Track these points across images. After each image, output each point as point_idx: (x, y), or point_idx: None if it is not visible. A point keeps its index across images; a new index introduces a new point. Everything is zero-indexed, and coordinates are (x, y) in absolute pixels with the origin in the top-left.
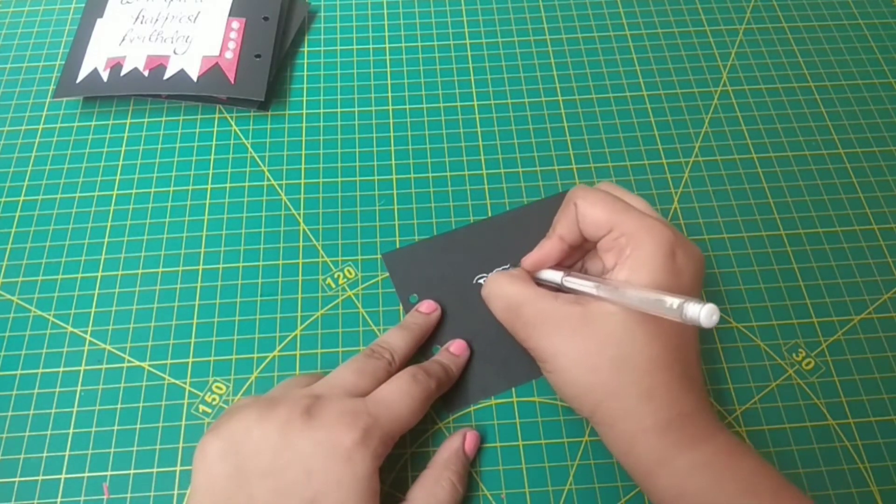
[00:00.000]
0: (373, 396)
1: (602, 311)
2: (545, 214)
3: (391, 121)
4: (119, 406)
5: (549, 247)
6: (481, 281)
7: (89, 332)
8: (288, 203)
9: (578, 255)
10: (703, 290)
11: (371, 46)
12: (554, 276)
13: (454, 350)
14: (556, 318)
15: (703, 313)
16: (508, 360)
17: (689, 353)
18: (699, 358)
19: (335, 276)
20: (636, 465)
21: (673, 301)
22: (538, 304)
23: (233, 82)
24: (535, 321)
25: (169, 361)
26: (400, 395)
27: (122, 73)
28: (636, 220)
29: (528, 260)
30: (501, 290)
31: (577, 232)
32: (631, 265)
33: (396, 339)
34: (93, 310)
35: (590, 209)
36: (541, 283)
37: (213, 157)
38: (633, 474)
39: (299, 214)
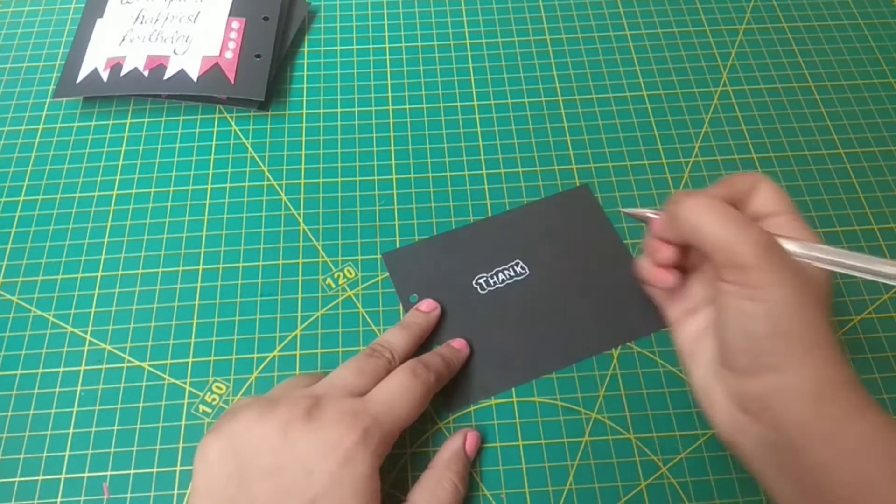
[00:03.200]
0: (372, 395)
1: (816, 272)
2: (545, 214)
3: (391, 121)
4: (119, 406)
5: (717, 189)
6: (481, 281)
7: (89, 332)
8: (288, 203)
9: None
10: None
11: (371, 46)
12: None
13: (455, 345)
14: (787, 257)
15: None
16: (508, 360)
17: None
18: None
19: (335, 276)
20: (825, 416)
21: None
22: (770, 235)
23: (233, 82)
24: (771, 245)
25: (169, 361)
26: (400, 392)
27: (122, 73)
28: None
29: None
30: (726, 210)
31: (746, 194)
32: (811, 241)
33: (397, 338)
34: (93, 310)
35: (774, 189)
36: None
37: (213, 157)
38: (812, 429)
39: (299, 214)
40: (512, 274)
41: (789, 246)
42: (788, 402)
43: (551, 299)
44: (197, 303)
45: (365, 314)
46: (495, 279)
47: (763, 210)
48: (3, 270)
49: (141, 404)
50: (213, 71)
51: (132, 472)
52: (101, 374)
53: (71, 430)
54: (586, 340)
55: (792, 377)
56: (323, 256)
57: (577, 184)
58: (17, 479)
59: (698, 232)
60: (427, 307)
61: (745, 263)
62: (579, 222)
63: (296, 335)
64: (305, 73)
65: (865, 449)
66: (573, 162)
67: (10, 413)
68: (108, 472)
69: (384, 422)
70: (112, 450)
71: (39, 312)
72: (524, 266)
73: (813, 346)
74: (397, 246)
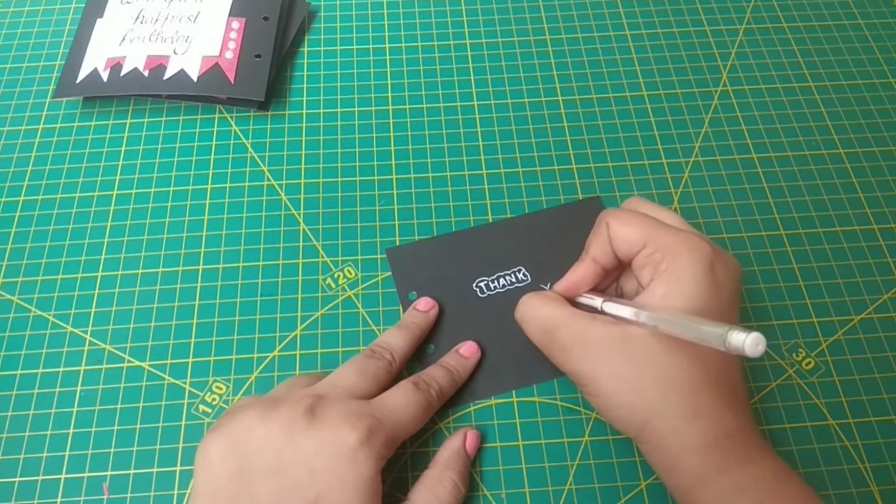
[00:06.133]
0: (376, 401)
1: (641, 333)
2: (553, 223)
3: (391, 121)
4: (119, 406)
5: (582, 270)
6: (482, 284)
7: (89, 332)
8: (288, 203)
9: (612, 278)
10: None
11: (371, 46)
12: (592, 301)
13: (464, 352)
14: (595, 340)
15: (748, 343)
16: (501, 366)
17: (733, 372)
18: (742, 377)
19: (335, 276)
20: (678, 484)
21: (715, 330)
22: (575, 326)
23: (233, 82)
24: (573, 344)
25: (169, 361)
26: (404, 401)
27: (122, 73)
28: (671, 234)
29: (562, 284)
30: (535, 312)
31: (611, 253)
32: (668, 279)
33: (396, 339)
34: (93, 310)
35: (622, 228)
36: (577, 306)
37: (213, 157)
38: (675, 493)
39: (299, 214)
40: (513, 280)
41: (585, 301)
42: (655, 470)
43: None
44: (197, 303)
45: (365, 314)
46: (496, 284)
47: (625, 255)
48: (3, 270)
49: (141, 404)
50: (213, 71)
51: (132, 472)
52: (101, 374)
53: (71, 430)
54: None
55: (646, 447)
56: (323, 256)
57: (577, 184)
58: (16, 479)
59: (529, 338)
60: (425, 306)
61: (563, 368)
62: (587, 234)
63: (296, 335)
64: (305, 73)
65: None
66: (573, 162)
67: (10, 413)
68: (108, 472)
69: (387, 425)
70: (112, 450)
71: (39, 312)
72: (526, 273)
73: (654, 418)
74: (397, 246)
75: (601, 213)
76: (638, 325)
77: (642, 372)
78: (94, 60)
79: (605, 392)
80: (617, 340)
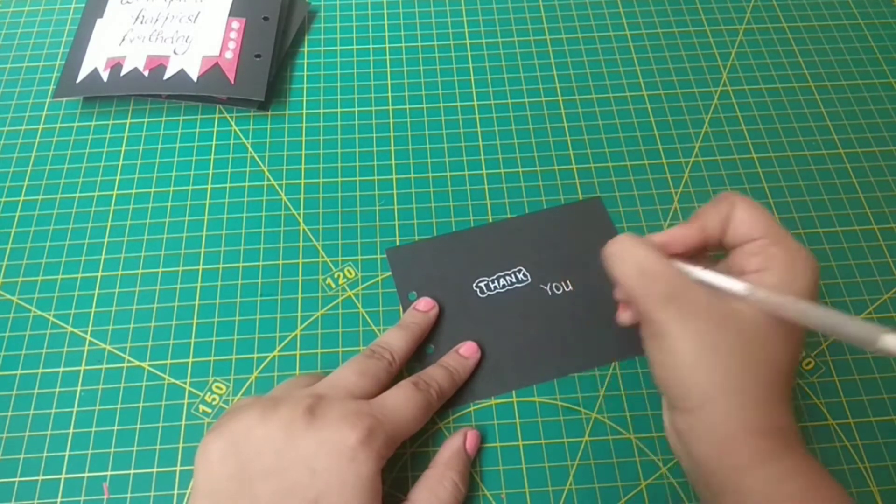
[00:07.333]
0: (376, 401)
1: (751, 311)
2: (553, 223)
3: (391, 121)
4: (119, 406)
5: (686, 232)
6: (482, 284)
7: (89, 332)
8: (288, 203)
9: (695, 252)
10: None
11: (371, 46)
12: (694, 269)
13: (464, 352)
14: (699, 301)
15: None
16: (501, 366)
17: (795, 370)
18: None
19: (335, 276)
20: (727, 461)
21: (869, 328)
22: (682, 280)
23: (233, 82)
24: (674, 296)
25: (169, 361)
26: (404, 401)
27: (122, 73)
28: (791, 238)
29: (660, 237)
30: (637, 251)
31: (720, 229)
32: (785, 271)
33: (396, 339)
34: (93, 310)
35: (751, 211)
36: None
37: (213, 157)
38: (716, 471)
39: (299, 214)
40: (513, 280)
41: (711, 280)
42: (697, 446)
43: (551, 309)
44: (197, 303)
45: (365, 314)
46: (496, 284)
47: (737, 238)
48: (3, 270)
49: (141, 404)
50: (213, 71)
51: (132, 472)
52: (101, 374)
53: (71, 430)
54: (583, 354)
55: (699, 421)
56: (323, 256)
57: (577, 184)
58: (16, 480)
59: (617, 279)
60: (425, 306)
61: (648, 315)
62: (587, 234)
63: (296, 335)
64: (305, 73)
65: (755, 502)
66: (573, 162)
67: (10, 413)
68: (108, 472)
69: (387, 425)
70: (112, 450)
71: (39, 312)
72: (526, 273)
73: (722, 393)
74: (397, 246)
75: (726, 194)
76: (752, 301)
77: (732, 348)
78: (94, 60)
79: (683, 353)
80: (723, 311)
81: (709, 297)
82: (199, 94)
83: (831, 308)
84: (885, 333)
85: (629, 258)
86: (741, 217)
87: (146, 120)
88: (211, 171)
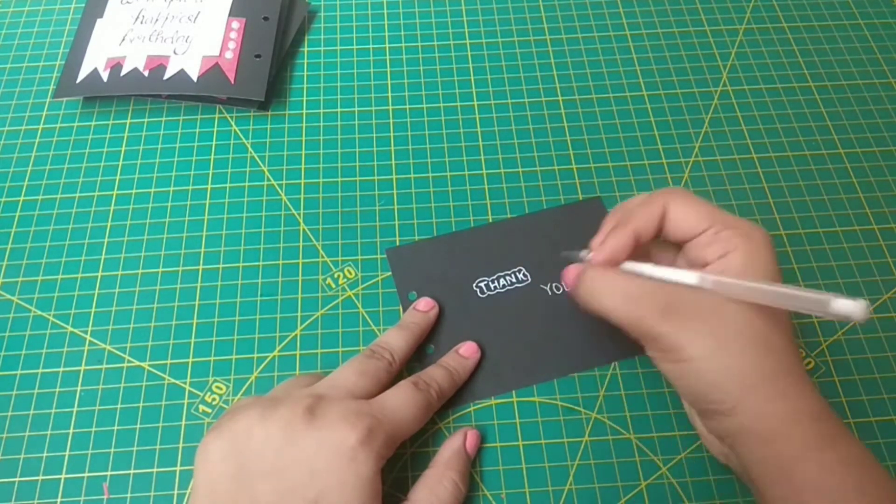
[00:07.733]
0: (376, 401)
1: (726, 301)
2: (553, 223)
3: (391, 121)
4: (119, 406)
5: (622, 241)
6: (482, 285)
7: (89, 332)
8: (288, 203)
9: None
10: None
11: (371, 46)
12: (644, 267)
13: (464, 352)
14: (691, 303)
15: (858, 307)
16: (500, 366)
17: (797, 346)
18: None
19: (335, 276)
20: (780, 453)
21: (818, 296)
22: (667, 290)
23: (233, 82)
24: (668, 307)
25: (169, 361)
26: (404, 401)
27: (122, 73)
28: (734, 217)
29: (601, 256)
30: (615, 281)
31: (654, 230)
32: (746, 251)
33: (396, 339)
34: (93, 310)
35: (688, 205)
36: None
37: (213, 157)
38: (768, 469)
39: (299, 214)
40: (513, 280)
41: (702, 282)
42: (742, 443)
43: (551, 309)
44: (197, 303)
45: (365, 314)
46: (496, 284)
47: (683, 234)
48: (3, 270)
49: (141, 404)
50: (213, 71)
51: (132, 472)
52: (101, 374)
53: (71, 430)
54: (583, 354)
55: (739, 420)
56: (323, 256)
57: (577, 184)
58: (16, 480)
59: (604, 313)
60: (425, 306)
61: (651, 335)
62: (588, 234)
63: (296, 335)
64: (305, 73)
65: (811, 491)
66: (573, 162)
67: (10, 413)
68: (108, 472)
69: (387, 425)
70: (112, 450)
71: (39, 312)
72: (526, 273)
73: (753, 386)
74: (397, 246)
75: (658, 190)
76: (707, 290)
77: (740, 333)
78: (94, 60)
79: (698, 359)
80: (712, 304)
81: (696, 294)
82: (199, 94)
83: (782, 284)
84: (835, 298)
85: (610, 290)
86: (680, 216)
87: (146, 120)
88: (211, 171)
